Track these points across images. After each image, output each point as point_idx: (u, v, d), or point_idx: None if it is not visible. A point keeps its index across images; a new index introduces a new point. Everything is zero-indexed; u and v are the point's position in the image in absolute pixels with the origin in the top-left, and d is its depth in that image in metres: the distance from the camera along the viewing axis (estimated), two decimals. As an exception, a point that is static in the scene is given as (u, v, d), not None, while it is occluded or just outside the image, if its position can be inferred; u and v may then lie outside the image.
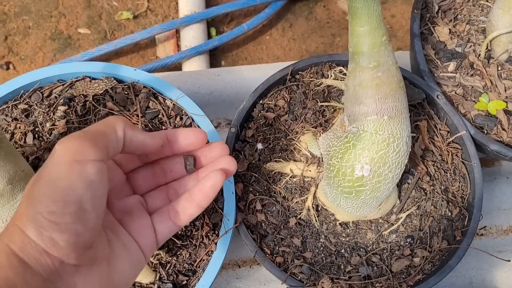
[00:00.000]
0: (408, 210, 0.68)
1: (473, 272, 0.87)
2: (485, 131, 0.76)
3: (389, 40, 0.56)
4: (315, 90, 0.73)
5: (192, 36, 1.29)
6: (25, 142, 0.66)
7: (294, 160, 0.69)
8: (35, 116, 0.69)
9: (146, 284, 0.64)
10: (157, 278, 0.64)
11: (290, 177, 0.68)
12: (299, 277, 0.67)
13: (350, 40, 0.56)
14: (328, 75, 0.75)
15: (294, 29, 1.41)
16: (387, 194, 0.61)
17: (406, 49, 1.32)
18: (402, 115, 0.58)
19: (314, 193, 0.67)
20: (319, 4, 1.43)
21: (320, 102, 0.72)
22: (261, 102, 0.76)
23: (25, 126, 0.68)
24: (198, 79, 0.96)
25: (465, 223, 0.71)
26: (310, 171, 0.67)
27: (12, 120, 0.69)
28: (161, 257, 0.63)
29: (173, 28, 1.29)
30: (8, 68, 1.28)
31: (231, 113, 0.94)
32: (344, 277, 0.67)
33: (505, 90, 0.77)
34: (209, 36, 1.35)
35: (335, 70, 0.74)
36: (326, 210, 0.68)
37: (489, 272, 0.88)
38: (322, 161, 0.66)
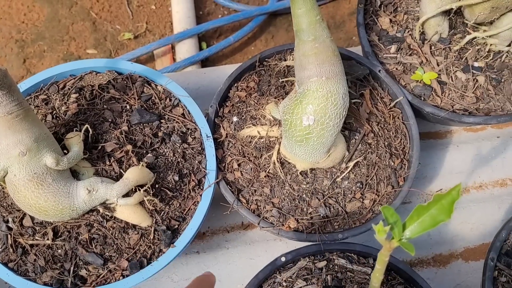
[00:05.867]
0: (356, 159, 0.83)
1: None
2: (423, 99, 0.91)
3: (323, 19, 0.73)
4: (278, 70, 0.90)
5: (186, 49, 1.48)
6: (45, 121, 0.83)
7: (261, 125, 0.85)
8: (53, 103, 0.86)
9: (145, 227, 0.79)
10: (154, 222, 0.79)
11: (258, 138, 0.84)
12: (270, 220, 0.82)
13: (293, 20, 0.73)
14: (288, 58, 0.91)
15: (276, 39, 1.59)
16: (332, 141, 0.76)
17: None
18: (338, 77, 0.74)
19: (278, 150, 0.82)
20: (297, 17, 1.62)
21: (281, 79, 0.88)
22: (235, 85, 0.92)
23: (45, 110, 0.85)
24: (188, 77, 1.13)
25: (406, 171, 0.85)
26: (273, 131, 0.83)
27: (34, 107, 0.86)
28: (156, 203, 0.78)
29: (169, 43, 1.47)
30: (26, 86, 1.47)
31: (216, 103, 1.10)
32: (306, 217, 0.81)
33: (438, 65, 0.93)
34: (201, 49, 1.53)
35: (292, 54, 0.91)
36: (289, 163, 0.83)
37: (444, 224, 1.01)
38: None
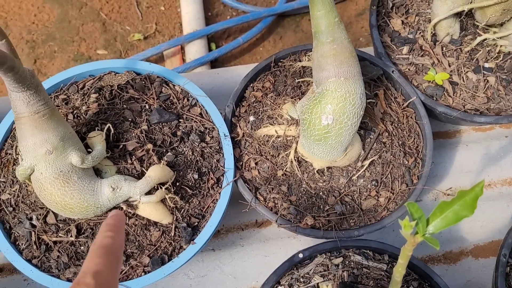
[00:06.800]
0: (371, 158, 0.85)
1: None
2: (435, 99, 0.93)
3: (341, 21, 0.75)
4: (294, 71, 0.92)
5: (195, 50, 1.50)
6: (67, 120, 0.85)
7: (278, 124, 0.86)
8: (73, 103, 0.88)
9: (166, 224, 0.80)
10: (175, 219, 0.80)
11: (276, 137, 0.86)
12: (287, 217, 0.84)
13: (312, 22, 0.75)
14: (303, 59, 0.93)
15: (284, 40, 1.61)
16: (349, 140, 0.78)
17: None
18: (355, 77, 0.75)
19: (295, 148, 0.84)
20: (304, 18, 1.64)
21: (297, 80, 0.90)
22: (251, 85, 0.94)
23: (66, 110, 0.86)
24: (201, 78, 1.15)
25: (420, 169, 0.87)
26: (291, 130, 0.84)
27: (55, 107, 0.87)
28: (177, 201, 0.79)
29: (179, 44, 1.49)
30: (38, 86, 1.48)
31: (229, 104, 1.12)
32: (323, 215, 0.83)
33: (449, 66, 0.95)
34: (210, 50, 1.55)
35: (308, 55, 0.93)
36: (306, 161, 0.85)
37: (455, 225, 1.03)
38: (300, 122, 0.84)
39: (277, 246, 1.01)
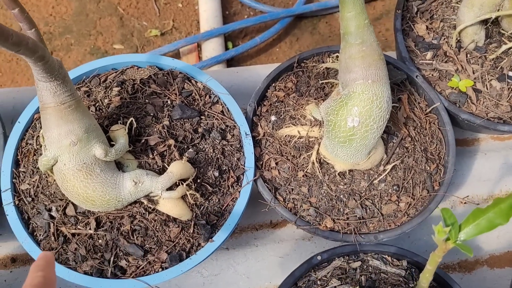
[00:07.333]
0: (393, 162, 0.84)
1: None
2: (458, 106, 0.93)
3: (370, 23, 0.74)
4: (317, 72, 0.91)
5: (212, 48, 1.49)
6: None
7: (301, 125, 0.86)
8: (95, 95, 0.87)
9: (185, 221, 0.80)
10: (194, 216, 0.80)
11: (298, 138, 0.86)
12: (307, 219, 0.83)
13: (341, 23, 0.74)
14: (327, 61, 0.93)
15: (300, 42, 1.61)
16: (374, 143, 0.77)
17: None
18: (383, 80, 0.75)
19: (317, 150, 0.83)
20: (322, 20, 1.63)
21: (321, 81, 0.90)
22: (273, 85, 0.93)
23: (88, 102, 0.86)
24: (220, 76, 1.14)
25: (442, 176, 0.86)
26: (313, 131, 0.84)
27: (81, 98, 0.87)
28: (197, 198, 0.79)
29: (196, 42, 1.49)
30: (53, 78, 1.48)
31: (247, 102, 1.11)
32: (343, 218, 0.83)
33: (473, 73, 0.95)
34: (226, 48, 1.55)
35: (332, 56, 0.92)
36: (327, 163, 0.84)
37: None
38: (323, 123, 0.83)
39: (292, 247, 1.00)
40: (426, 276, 0.58)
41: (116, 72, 0.91)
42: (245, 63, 1.56)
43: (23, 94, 1.06)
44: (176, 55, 1.55)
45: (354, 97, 0.74)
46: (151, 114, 0.85)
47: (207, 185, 0.81)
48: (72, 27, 1.57)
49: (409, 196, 0.84)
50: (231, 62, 1.54)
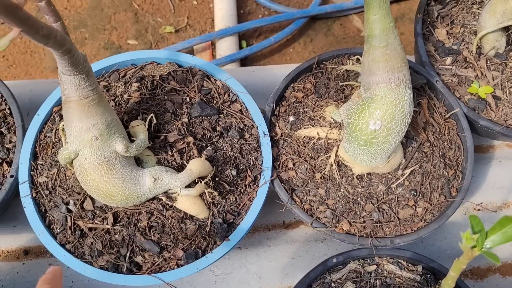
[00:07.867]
0: (412, 167, 0.84)
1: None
2: (477, 112, 0.92)
3: (395, 26, 0.74)
4: (337, 74, 0.91)
5: (226, 46, 1.49)
6: (108, 107, 0.84)
7: (320, 126, 0.86)
8: (114, 90, 0.87)
9: (202, 219, 0.80)
10: (211, 214, 0.80)
11: (317, 139, 0.85)
12: (323, 221, 0.83)
13: (365, 26, 0.74)
14: (347, 63, 0.92)
15: (314, 43, 1.60)
16: (394, 147, 0.77)
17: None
18: (406, 84, 0.75)
19: (336, 152, 0.83)
20: (336, 22, 1.63)
21: (341, 83, 0.89)
22: (292, 85, 0.93)
23: (107, 97, 0.86)
24: (236, 75, 1.13)
25: (459, 182, 0.86)
26: (333, 133, 0.84)
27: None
28: (215, 196, 0.79)
29: (210, 40, 1.49)
30: (67, 72, 1.48)
31: (263, 102, 1.11)
32: (359, 221, 0.82)
33: (493, 79, 0.94)
34: (241, 47, 1.55)
35: (352, 59, 0.92)
36: (346, 166, 0.84)
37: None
38: (343, 125, 0.83)
39: (304, 249, 1.00)
40: (449, 283, 0.57)
41: (135, 68, 0.90)
42: (258, 62, 1.56)
43: (40, 86, 1.06)
44: (190, 52, 1.55)
45: (376, 100, 0.74)
46: (170, 110, 0.85)
47: (224, 184, 0.81)
48: (86, 21, 1.57)
49: (426, 202, 0.84)
50: (244, 61, 1.54)
